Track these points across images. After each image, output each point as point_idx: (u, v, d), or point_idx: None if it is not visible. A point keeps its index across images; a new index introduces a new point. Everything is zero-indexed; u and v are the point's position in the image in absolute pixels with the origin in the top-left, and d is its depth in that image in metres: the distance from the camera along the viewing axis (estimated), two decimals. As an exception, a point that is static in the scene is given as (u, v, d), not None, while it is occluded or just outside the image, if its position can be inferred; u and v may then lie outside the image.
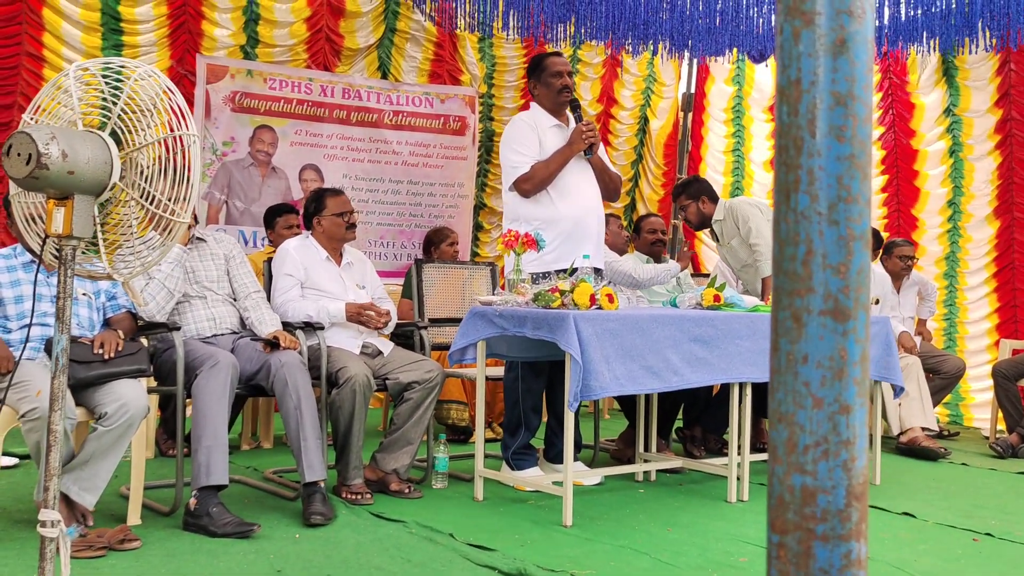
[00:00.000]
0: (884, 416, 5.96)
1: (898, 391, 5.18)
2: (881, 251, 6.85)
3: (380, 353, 4.37)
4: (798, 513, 0.65)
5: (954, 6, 6.01)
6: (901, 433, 5.83)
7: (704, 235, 8.58)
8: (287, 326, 4.12)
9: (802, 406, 0.66)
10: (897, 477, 5.04)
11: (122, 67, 2.52)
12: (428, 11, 6.51)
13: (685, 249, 5.75)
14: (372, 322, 4.28)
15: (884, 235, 7.91)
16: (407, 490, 4.16)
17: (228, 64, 6.19)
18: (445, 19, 6.49)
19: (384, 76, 6.79)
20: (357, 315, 4.27)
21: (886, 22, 6.41)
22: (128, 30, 5.88)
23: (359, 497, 3.98)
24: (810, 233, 0.66)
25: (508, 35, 6.50)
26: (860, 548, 0.65)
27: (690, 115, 8.61)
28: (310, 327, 4.15)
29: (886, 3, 6.24)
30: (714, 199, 5.62)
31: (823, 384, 0.66)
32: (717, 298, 4.58)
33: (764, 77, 8.45)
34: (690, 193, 5.62)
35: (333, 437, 4.09)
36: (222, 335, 4.02)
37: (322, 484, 3.74)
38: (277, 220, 5.44)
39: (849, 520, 0.64)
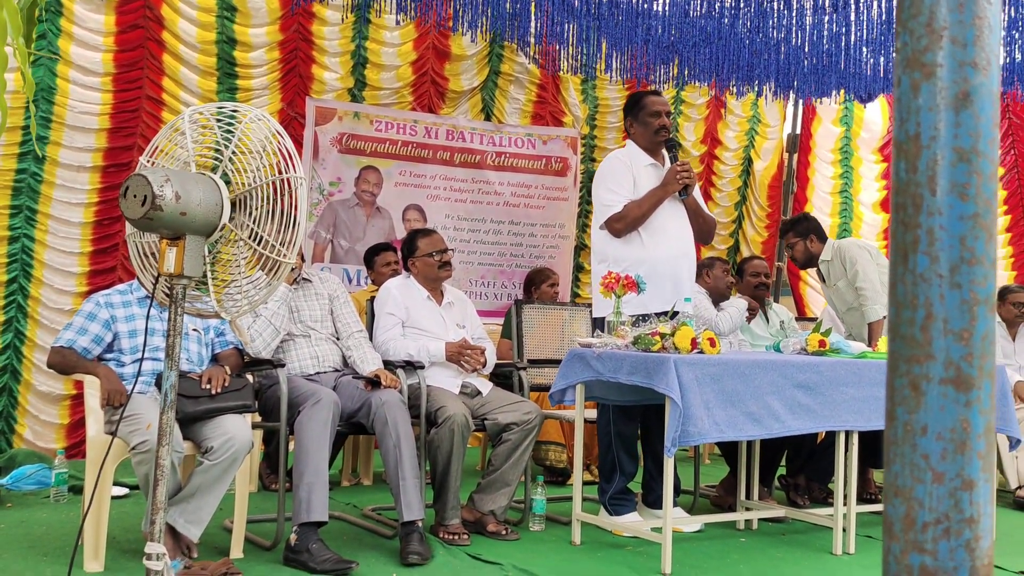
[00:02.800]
0: (1000, 469, 5.70)
1: (1014, 443, 4.96)
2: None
3: (479, 393, 4.37)
4: (917, 594, 0.61)
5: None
6: (1020, 487, 5.57)
7: (810, 277, 8.40)
8: (388, 365, 4.16)
9: (921, 480, 0.62)
10: (1013, 533, 4.80)
11: (234, 111, 2.59)
12: (532, 54, 6.56)
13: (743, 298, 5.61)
14: (471, 362, 4.29)
15: (1010, 275, 7.64)
16: (504, 532, 4.13)
17: (336, 107, 6.34)
18: (549, 62, 6.53)
19: (487, 118, 6.86)
20: (457, 355, 4.29)
21: (1001, 61, 6.21)
22: (242, 74, 6.08)
23: (456, 537, 3.96)
24: (930, 296, 0.62)
25: (611, 77, 6.50)
26: (987, 635, 0.60)
27: (795, 156, 8.47)
28: (410, 366, 4.18)
29: (998, 44, 6.04)
30: (822, 238, 5.50)
31: (944, 458, 0.62)
32: (823, 343, 4.46)
33: (873, 117, 8.28)
34: (798, 231, 5.51)
35: (431, 476, 4.10)
36: (325, 372, 4.08)
37: (420, 523, 3.74)
38: (376, 259, 5.52)
39: (972, 604, 0.60)
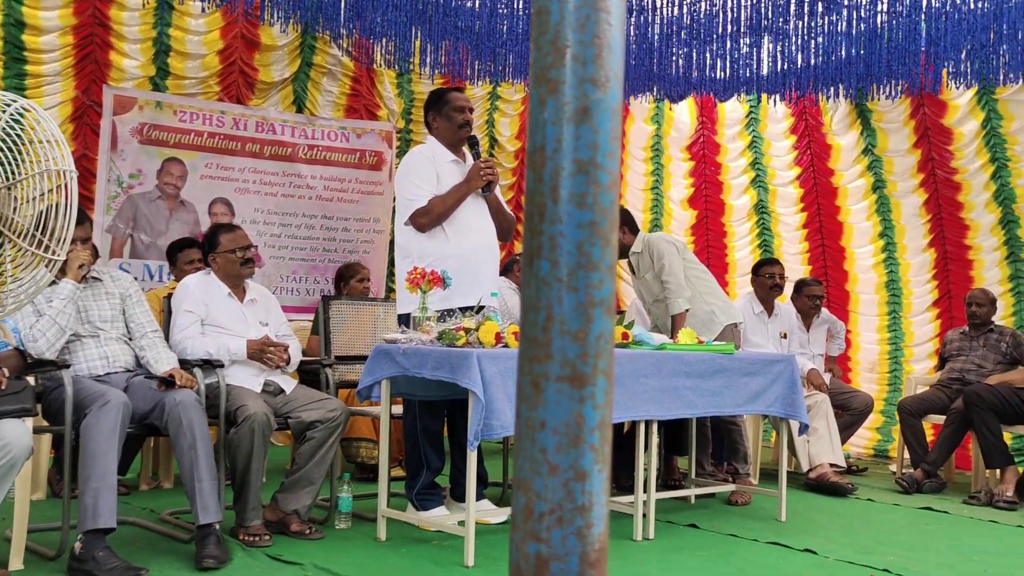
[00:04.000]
0: (793, 453, 6.04)
1: (803, 428, 5.26)
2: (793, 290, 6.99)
3: (282, 391, 4.31)
4: (533, 581, 0.64)
5: (858, 53, 6.18)
6: (810, 469, 5.91)
7: (624, 271, 8.67)
8: (185, 364, 4.05)
9: (539, 473, 0.66)
10: (804, 513, 5.10)
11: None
12: (345, 46, 6.50)
13: None
14: (273, 359, 4.23)
15: (807, 268, 8.08)
16: (308, 531, 4.09)
17: (136, 95, 6.11)
18: (362, 55, 6.49)
19: (299, 110, 6.76)
20: (258, 352, 4.21)
21: (796, 66, 6.56)
22: (32, 59, 5.78)
23: (257, 539, 3.90)
24: (550, 300, 0.66)
25: (427, 72, 6.51)
26: (595, 615, 0.65)
27: (609, 153, 8.70)
28: (209, 365, 4.08)
29: (784, 51, 6.39)
30: (635, 231, 5.66)
31: (559, 451, 0.66)
32: (625, 336, 4.60)
33: (682, 117, 8.59)
34: None
35: (231, 477, 4.02)
36: (116, 373, 3.94)
37: (217, 526, 3.66)
38: (179, 255, 5.35)
39: (583, 587, 0.64)
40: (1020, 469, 5.78)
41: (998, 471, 5.80)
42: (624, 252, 5.64)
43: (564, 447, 0.65)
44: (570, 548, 0.64)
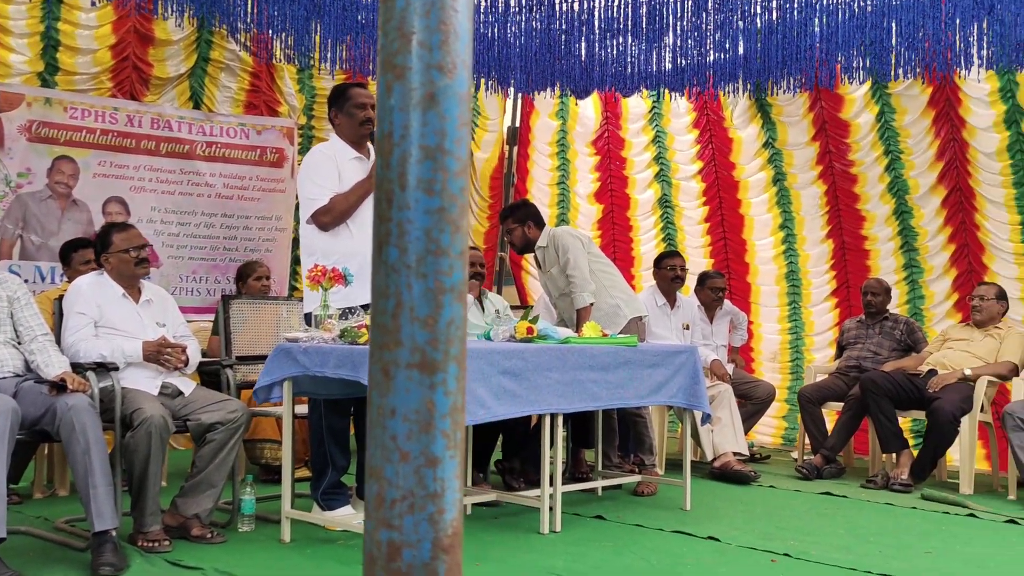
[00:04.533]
0: (698, 442, 6.15)
1: (704, 418, 5.35)
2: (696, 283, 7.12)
3: (181, 393, 4.22)
4: (385, 569, 0.64)
5: (755, 49, 6.31)
6: (715, 459, 6.02)
7: (531, 266, 8.71)
8: (78, 367, 3.93)
9: (390, 460, 0.66)
10: (708, 502, 5.19)
11: None
12: (243, 41, 6.39)
13: (473, 280, 5.79)
14: (171, 361, 4.13)
15: (709, 261, 8.22)
16: (209, 535, 4.02)
17: (24, 92, 5.90)
18: (261, 50, 6.38)
19: (196, 106, 6.62)
20: (155, 354, 4.11)
21: (695, 62, 6.67)
22: (-92, 54, 5.55)
23: (156, 544, 3.82)
24: (399, 286, 0.66)
25: (328, 67, 6.43)
26: (448, 601, 0.65)
27: (515, 148, 8.73)
28: (103, 368, 3.97)
29: (683, 47, 6.50)
30: (540, 225, 5.67)
31: (409, 438, 0.66)
32: (531, 330, 4.62)
33: (587, 112, 8.66)
34: (517, 217, 5.66)
35: (128, 482, 3.92)
36: (4, 379, 3.80)
37: (114, 533, 3.58)
38: (73, 255, 5.20)
39: (435, 573, 0.64)
40: (914, 453, 5.98)
41: (894, 455, 5.99)
42: (530, 247, 5.66)
43: (415, 434, 0.65)
44: (422, 534, 0.64)
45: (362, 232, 4.40)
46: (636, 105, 8.40)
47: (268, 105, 6.93)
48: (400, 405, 0.66)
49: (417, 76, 0.67)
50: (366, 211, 4.41)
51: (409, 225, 0.66)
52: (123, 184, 6.23)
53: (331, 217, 4.32)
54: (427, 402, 0.66)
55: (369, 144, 4.55)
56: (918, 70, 6.07)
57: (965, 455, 5.73)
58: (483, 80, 7.08)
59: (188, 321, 4.69)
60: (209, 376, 4.78)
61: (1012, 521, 4.85)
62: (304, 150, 7.16)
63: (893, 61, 6.02)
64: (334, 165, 4.38)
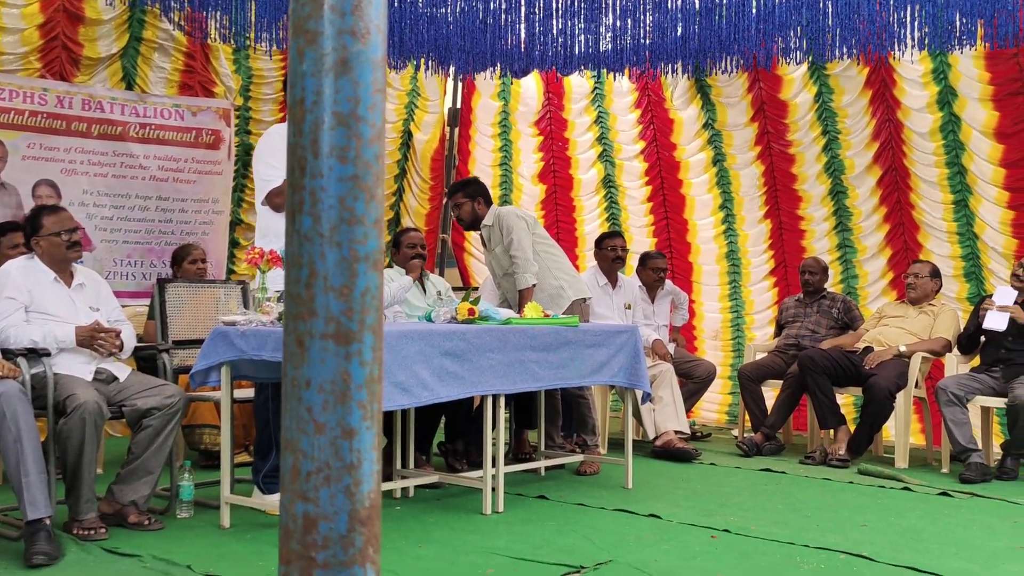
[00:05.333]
0: (639, 421, 6.20)
1: (645, 397, 5.39)
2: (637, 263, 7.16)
3: (116, 379, 4.14)
4: (301, 542, 0.63)
5: (694, 29, 6.34)
6: (656, 437, 6.07)
7: (474, 248, 8.69)
8: (7, 354, 3.84)
9: (305, 432, 0.65)
10: (649, 480, 5.24)
11: None
12: (177, 20, 6.25)
13: (415, 261, 5.76)
14: (105, 346, 4.06)
15: (652, 241, 8.28)
16: (147, 522, 3.96)
17: (-53, 73, 5.74)
18: (196, 29, 6.25)
19: (129, 87, 6.47)
20: (88, 339, 4.03)
21: (634, 42, 6.68)
22: None
23: (92, 532, 3.75)
24: (312, 255, 0.64)
25: (264, 47, 6.33)
26: (366, 572, 0.64)
27: (456, 130, 8.69)
28: (35, 353, 3.88)
29: (622, 26, 6.51)
30: (488, 203, 5.65)
31: (325, 409, 0.65)
32: (472, 311, 4.62)
33: (529, 92, 8.64)
34: (467, 192, 5.63)
35: (62, 470, 3.84)
36: (-69, 366, 3.70)
37: (48, 521, 3.51)
38: (2, 239, 5.07)
39: (352, 545, 0.63)
40: (852, 428, 6.09)
41: (831, 431, 6.10)
42: (477, 223, 5.64)
43: (331, 405, 0.64)
44: (339, 506, 0.63)
45: None
46: (579, 85, 8.40)
47: (203, 86, 6.81)
48: (315, 376, 0.65)
49: (329, 41, 0.66)
50: None
51: (323, 193, 0.65)
52: (54, 167, 6.08)
53: (284, 198, 4.28)
54: (342, 373, 0.65)
55: None
56: (855, 51, 6.15)
57: (900, 430, 5.85)
58: (423, 61, 7.02)
59: (123, 306, 4.61)
60: (145, 361, 4.70)
61: (945, 494, 4.97)
62: (241, 132, 7.06)
63: (829, 42, 6.09)
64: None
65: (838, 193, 7.29)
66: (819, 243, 7.46)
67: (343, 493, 0.65)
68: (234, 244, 7.11)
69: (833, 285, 7.28)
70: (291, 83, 0.67)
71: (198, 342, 4.62)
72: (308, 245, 0.65)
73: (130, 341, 4.25)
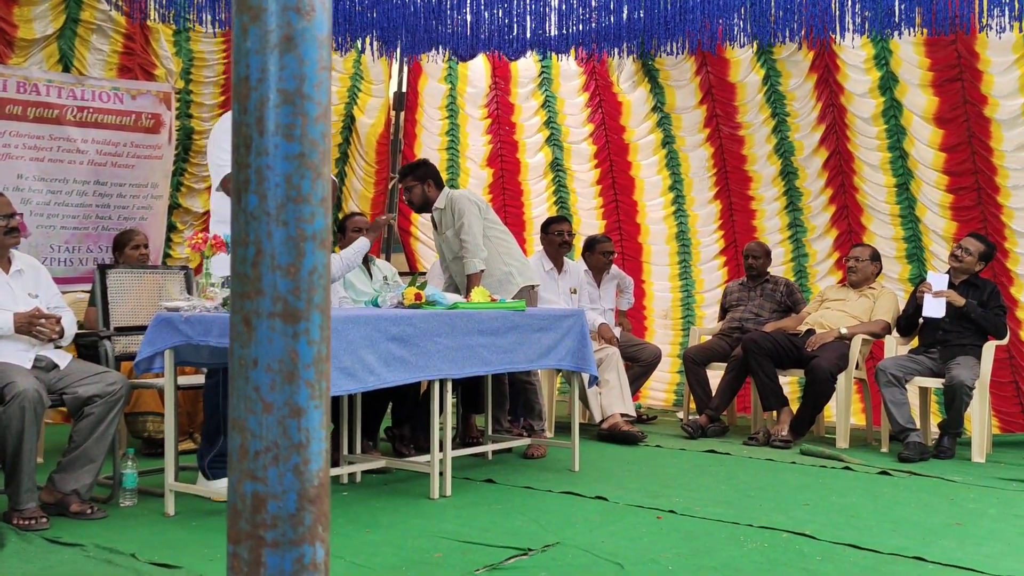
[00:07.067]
0: (586, 405, 6.24)
1: (592, 380, 5.43)
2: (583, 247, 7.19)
3: (56, 366, 4.07)
4: (249, 521, 0.63)
5: (639, 12, 6.36)
6: (603, 420, 6.11)
7: (420, 232, 8.66)
8: (-57, 341, 3.76)
9: (253, 411, 0.64)
10: (596, 463, 5.27)
11: None
12: (115, 0, 6.12)
13: (382, 218, 5.71)
14: (44, 333, 3.98)
15: (601, 223, 8.32)
16: (89, 511, 3.90)
17: None
18: (135, 10, 6.12)
19: (66, 69, 6.32)
20: (27, 325, 3.95)
21: (580, 25, 6.69)
22: None
23: (33, 522, 3.69)
24: (259, 234, 0.64)
25: (205, 29, 6.23)
26: (315, 551, 0.64)
27: (403, 113, 8.64)
28: (-29, 341, 3.80)
29: (568, 9, 6.51)
30: (440, 186, 5.63)
31: (273, 388, 0.65)
32: (419, 296, 4.61)
33: (477, 74, 8.61)
34: (417, 175, 5.61)
35: (1, 460, 3.77)
36: None
37: (-13, 512, 3.45)
38: (-65, 226, 4.94)
39: (302, 524, 0.63)
40: (794, 410, 6.18)
41: (774, 412, 6.19)
42: (428, 206, 5.62)
43: (278, 384, 0.63)
44: (288, 486, 0.63)
45: None
46: (526, 69, 8.40)
47: (143, 68, 6.67)
48: (262, 355, 0.64)
49: (274, 18, 0.65)
50: None
51: (269, 171, 0.64)
52: (-13, 151, 5.94)
53: None
54: (290, 352, 0.65)
55: None
56: (799, 35, 6.22)
57: (841, 411, 5.96)
58: (368, 41, 6.93)
59: (61, 292, 4.52)
60: (87, 348, 4.62)
61: (884, 472, 5.07)
62: (183, 115, 6.94)
63: (772, 24, 6.14)
64: None
65: (788, 174, 7.39)
66: (770, 222, 7.55)
67: (292, 472, 0.65)
68: (171, 228, 7.00)
69: (784, 263, 7.39)
70: (235, 60, 0.66)
71: (141, 328, 4.55)
72: (255, 224, 0.64)
73: (70, 328, 4.18)
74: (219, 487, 4.18)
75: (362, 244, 5.15)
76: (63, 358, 4.13)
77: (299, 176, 0.65)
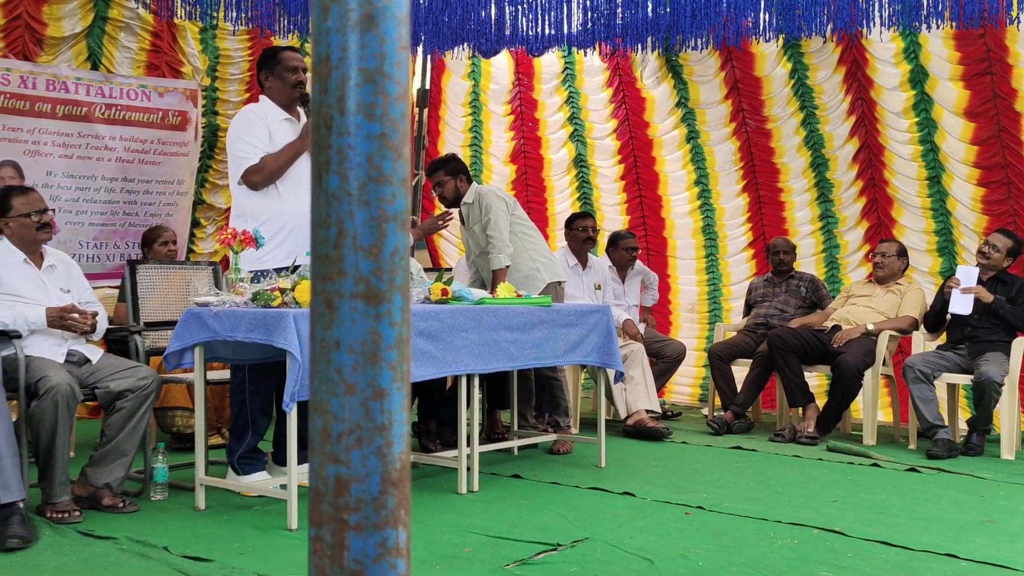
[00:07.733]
0: (611, 401, 6.23)
1: (618, 376, 5.42)
2: (608, 243, 7.18)
3: (88, 361, 4.10)
4: (332, 504, 0.62)
5: (663, 7, 6.34)
6: (628, 416, 6.10)
7: (444, 230, 8.66)
8: (-23, 335, 3.78)
9: (335, 394, 0.64)
10: (622, 459, 5.27)
11: None
12: (142, -2, 6.17)
13: (439, 222, 5.74)
14: (77, 327, 4.01)
15: (625, 219, 8.30)
16: (122, 504, 3.93)
17: (-91, 52, 5.61)
18: (162, 8, 6.15)
19: (95, 67, 6.35)
20: (59, 319, 3.98)
21: (604, 20, 6.67)
22: None
23: (66, 515, 3.72)
24: (340, 215, 0.64)
25: (232, 26, 6.25)
26: (398, 535, 0.63)
27: (426, 110, 8.64)
28: (5, 335, 3.83)
29: (592, 4, 6.50)
30: (469, 180, 5.67)
31: (355, 369, 0.64)
32: (445, 292, 4.60)
33: (500, 71, 8.61)
34: (449, 170, 5.63)
35: (35, 453, 3.80)
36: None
37: (21, 504, 3.48)
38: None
39: (385, 507, 0.63)
40: (820, 406, 6.15)
41: (800, 409, 6.16)
42: (459, 200, 5.64)
43: (361, 365, 0.63)
44: (371, 468, 0.62)
45: (291, 193, 4.39)
46: (549, 65, 8.38)
47: (170, 66, 6.71)
48: (345, 337, 0.64)
49: (355, -4, 0.65)
50: (295, 172, 4.41)
51: (350, 151, 0.64)
52: (16, 147, 5.97)
53: (262, 176, 4.32)
54: (373, 333, 0.64)
55: (299, 107, 4.54)
56: (826, 29, 6.18)
57: (868, 407, 5.92)
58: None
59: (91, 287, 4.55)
60: (117, 344, 4.65)
61: (913, 469, 5.04)
62: (208, 113, 6.97)
63: (800, 17, 6.10)
64: (264, 125, 4.39)
65: (819, 165, 7.34)
66: (800, 213, 7.51)
67: (375, 455, 0.64)
68: (195, 224, 7.04)
69: (815, 254, 7.37)
70: (315, 40, 0.66)
71: (170, 324, 4.58)
72: (336, 204, 0.64)
73: (102, 323, 4.20)
74: (247, 481, 4.20)
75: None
76: (95, 353, 4.15)
77: (380, 156, 0.65)
